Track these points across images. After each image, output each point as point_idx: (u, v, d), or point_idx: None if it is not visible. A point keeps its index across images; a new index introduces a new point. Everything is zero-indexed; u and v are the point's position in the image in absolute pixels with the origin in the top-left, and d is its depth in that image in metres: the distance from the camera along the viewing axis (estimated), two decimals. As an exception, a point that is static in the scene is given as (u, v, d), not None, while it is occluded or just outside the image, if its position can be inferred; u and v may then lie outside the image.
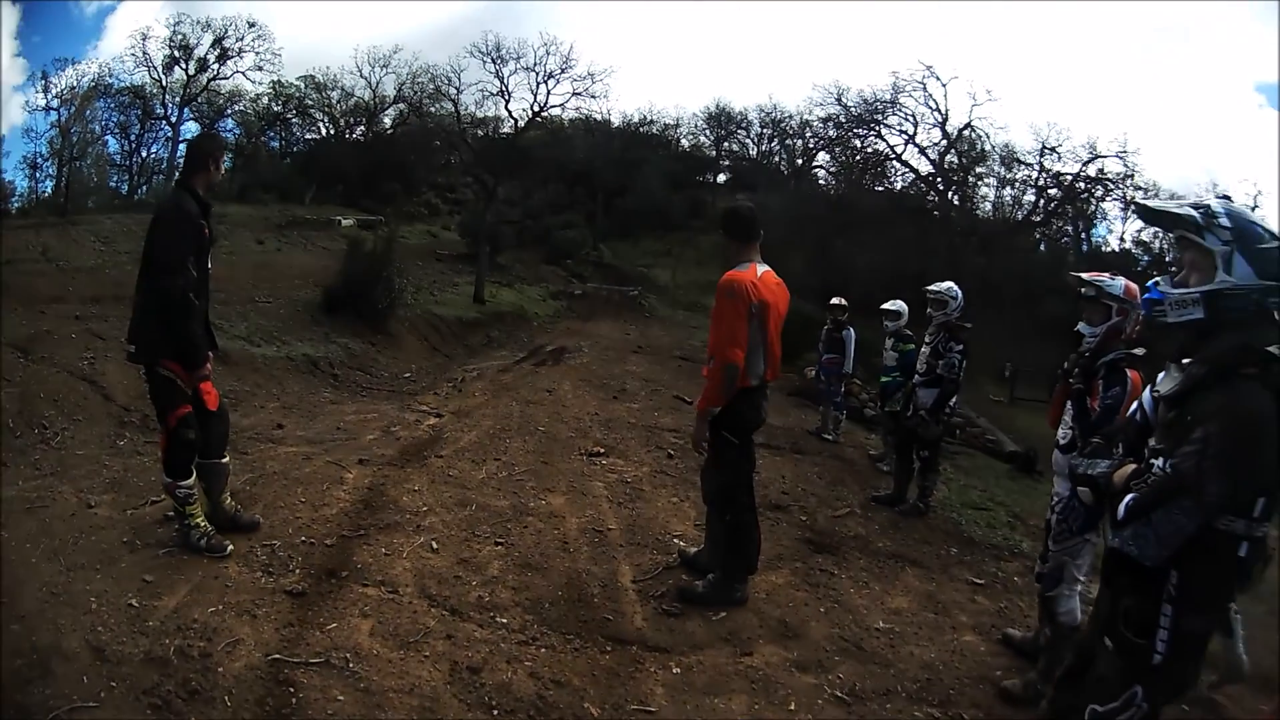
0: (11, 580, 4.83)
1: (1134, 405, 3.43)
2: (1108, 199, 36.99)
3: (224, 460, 5.82)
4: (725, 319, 5.11)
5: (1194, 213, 3.02)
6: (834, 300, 12.93)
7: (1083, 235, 41.51)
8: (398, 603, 5.10)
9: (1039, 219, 38.12)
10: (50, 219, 24.55)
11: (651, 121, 56.76)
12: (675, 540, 6.67)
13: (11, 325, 10.88)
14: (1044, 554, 5.32)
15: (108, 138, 45.51)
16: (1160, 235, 32.40)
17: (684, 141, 60.92)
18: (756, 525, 5.73)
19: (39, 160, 42.84)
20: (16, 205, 40.75)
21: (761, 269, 5.34)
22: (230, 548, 5.47)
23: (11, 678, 3.90)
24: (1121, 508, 3.00)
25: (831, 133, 42.94)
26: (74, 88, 43.02)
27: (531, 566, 5.87)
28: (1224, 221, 2.95)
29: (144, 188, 46.67)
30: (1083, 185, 36.01)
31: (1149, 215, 3.31)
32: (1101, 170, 35.15)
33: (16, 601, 4.56)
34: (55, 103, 42.70)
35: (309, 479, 7.21)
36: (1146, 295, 4.45)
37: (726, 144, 61.32)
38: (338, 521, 6.30)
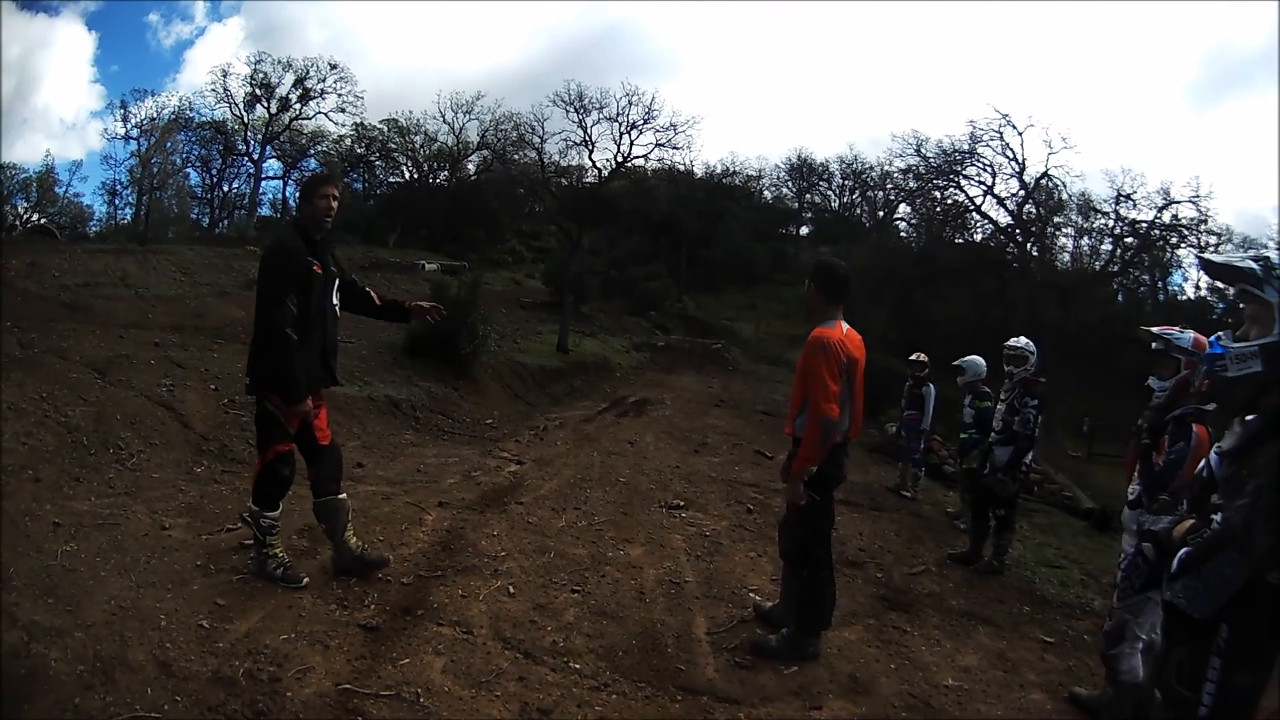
0: (78, 590, 4.92)
1: (1201, 462, 3.40)
2: (1182, 246, 37.08)
3: (341, 496, 5.86)
4: (818, 376, 5.17)
5: (1254, 265, 3.06)
6: (913, 356, 12.94)
7: (1159, 284, 41.45)
8: (472, 643, 5.09)
9: (1116, 269, 38.09)
10: (130, 246, 25.34)
11: (734, 172, 57.85)
12: (751, 594, 6.65)
13: (89, 347, 11.18)
14: (1111, 611, 5.42)
15: (188, 170, 47.07)
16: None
17: (766, 193, 61.84)
18: (832, 582, 5.74)
19: (118, 187, 44.58)
20: (95, 229, 42.47)
21: (845, 326, 5.43)
22: (306, 580, 5.52)
23: (73, 681, 3.95)
24: (1175, 561, 3.04)
25: (911, 184, 43.44)
26: (154, 119, 44.78)
27: (607, 615, 5.89)
28: None
29: (225, 221, 48.10)
30: (1158, 233, 36.07)
31: (1212, 269, 3.35)
32: (1176, 216, 35.32)
33: (82, 611, 4.63)
34: (135, 132, 44.38)
35: (388, 518, 7.31)
36: (1210, 350, 4.55)
37: (808, 195, 62.03)
38: (415, 561, 6.35)
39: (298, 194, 5.72)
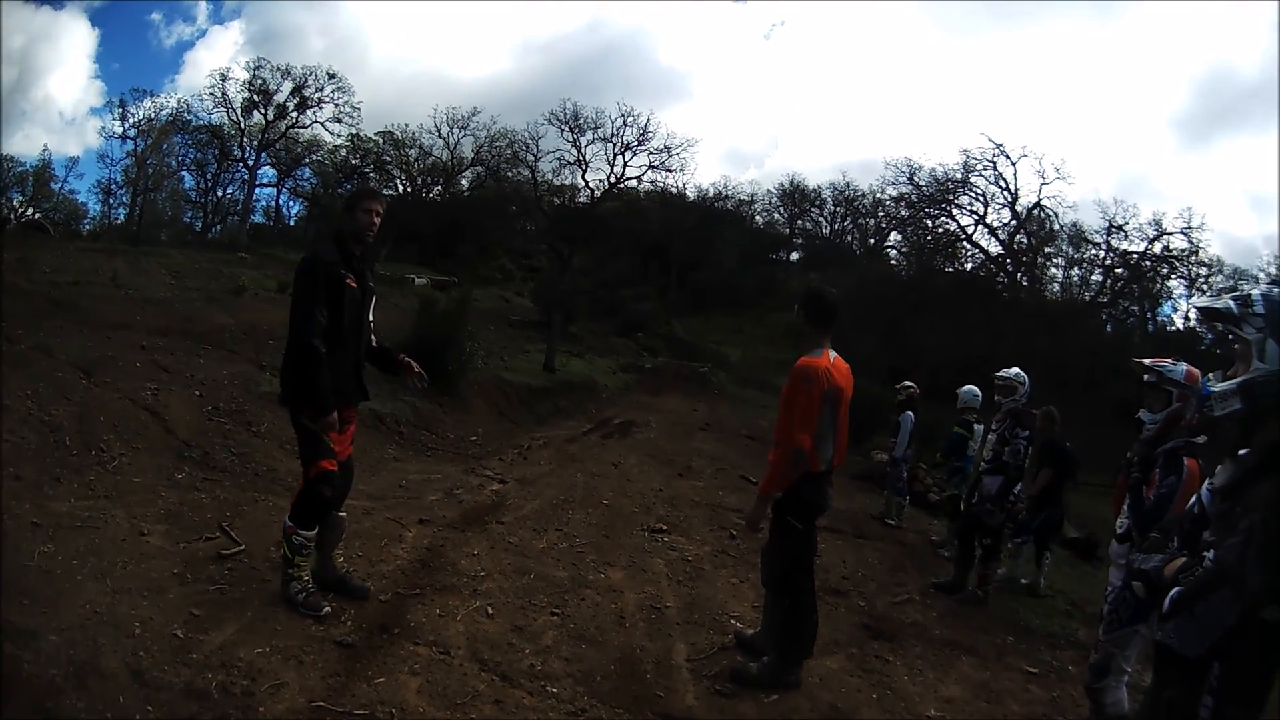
0: (53, 593, 4.88)
1: (1193, 498, 3.42)
2: (1173, 277, 37.89)
3: (341, 514, 5.81)
4: (798, 404, 5.21)
5: (1231, 305, 3.08)
6: (899, 384, 13.12)
7: (1148, 315, 41.60)
8: (448, 664, 5.05)
9: (1106, 299, 38.58)
10: (122, 246, 25.34)
11: (726, 197, 57.65)
12: (733, 620, 6.62)
13: (76, 346, 11.15)
14: (1096, 644, 5.38)
15: (183, 173, 47.25)
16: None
17: (758, 218, 61.91)
18: (814, 610, 5.70)
19: (113, 186, 44.73)
20: (88, 227, 42.53)
21: (832, 355, 5.44)
22: (328, 610, 5.39)
23: (45, 686, 3.92)
24: (1167, 600, 3.03)
25: (903, 212, 44.23)
26: (152, 120, 45.17)
27: (586, 639, 5.85)
28: (1259, 309, 2.99)
29: (218, 227, 48.08)
30: (1149, 264, 36.67)
31: (1201, 313, 3.39)
32: (1167, 248, 36.09)
33: (57, 614, 4.59)
34: (132, 132, 44.55)
35: (368, 534, 7.25)
36: (1202, 391, 4.57)
37: (800, 221, 62.29)
38: (393, 578, 6.32)
39: (340, 206, 5.67)
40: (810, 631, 5.62)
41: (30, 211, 42.74)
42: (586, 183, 36.87)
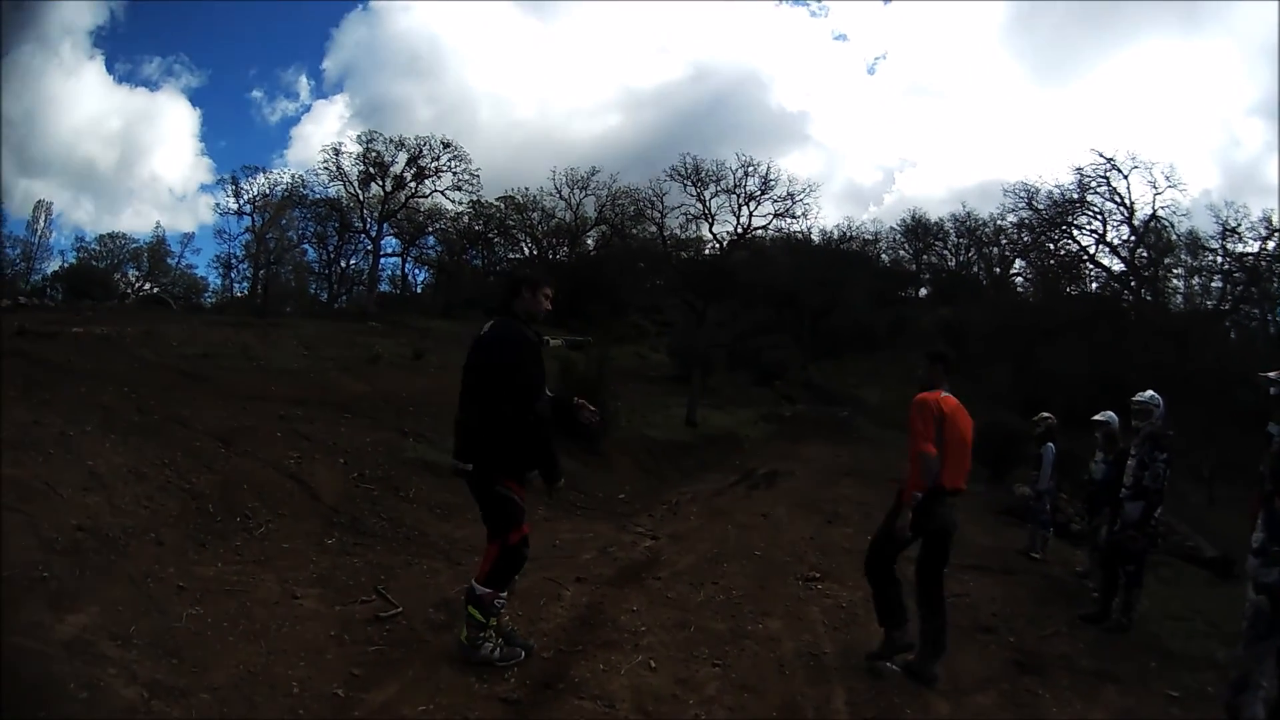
0: (204, 653, 4.98)
1: None
2: None
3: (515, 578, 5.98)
4: (917, 423, 6.32)
5: None
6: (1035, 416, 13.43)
7: (1269, 318, 40.83)
8: (614, 718, 5.07)
9: (1228, 306, 38.13)
10: (248, 319, 26.23)
11: (851, 238, 57.38)
12: (888, 665, 6.59)
13: (212, 416, 11.51)
14: (1236, 660, 5.74)
15: (305, 246, 48.78)
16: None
17: (884, 256, 62.12)
18: (944, 613, 6.51)
19: (233, 261, 46.63)
20: (210, 301, 44.43)
21: (943, 393, 6.52)
22: (524, 654, 5.67)
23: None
24: None
25: (1025, 238, 44.75)
26: (266, 195, 46.91)
27: (748, 688, 5.88)
28: None
29: (344, 297, 49.45)
30: (1264, 264, 36.01)
31: None
32: None
33: (209, 674, 4.68)
34: (248, 208, 46.51)
35: (525, 594, 7.27)
36: None
37: (925, 256, 63.40)
38: (554, 636, 6.37)
39: (516, 284, 5.80)
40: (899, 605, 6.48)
41: (149, 286, 45.41)
42: (714, 235, 37.21)
